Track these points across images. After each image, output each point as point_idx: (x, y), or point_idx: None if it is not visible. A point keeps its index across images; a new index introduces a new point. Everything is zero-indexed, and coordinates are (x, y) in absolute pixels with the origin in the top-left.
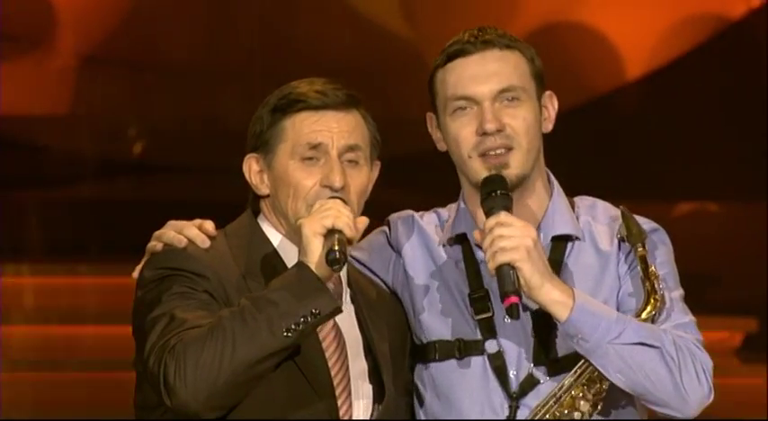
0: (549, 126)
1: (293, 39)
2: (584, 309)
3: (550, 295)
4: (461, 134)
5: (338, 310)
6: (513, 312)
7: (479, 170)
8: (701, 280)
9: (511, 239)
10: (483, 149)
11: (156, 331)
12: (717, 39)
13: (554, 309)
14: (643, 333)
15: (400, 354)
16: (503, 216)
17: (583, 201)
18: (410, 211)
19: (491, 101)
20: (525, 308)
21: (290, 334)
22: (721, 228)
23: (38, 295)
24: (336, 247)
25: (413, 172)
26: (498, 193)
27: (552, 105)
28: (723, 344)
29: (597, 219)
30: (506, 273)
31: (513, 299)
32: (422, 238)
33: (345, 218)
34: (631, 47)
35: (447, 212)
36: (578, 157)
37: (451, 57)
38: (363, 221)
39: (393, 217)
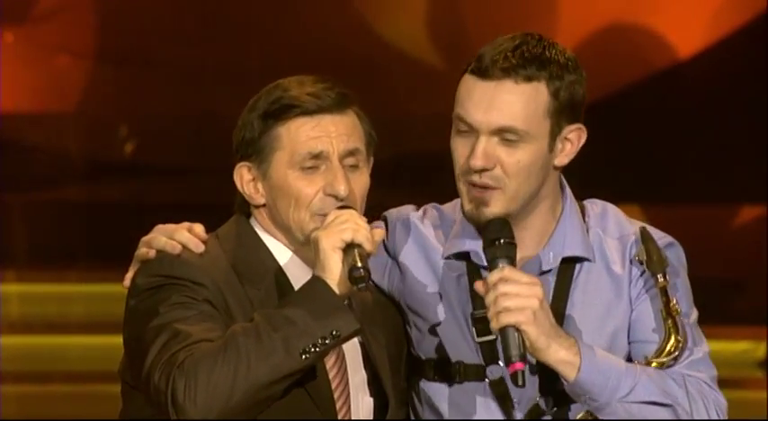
0: (563, 160)
1: (289, 35)
2: (592, 367)
3: (557, 355)
4: (456, 153)
5: (358, 332)
6: (517, 380)
7: (464, 197)
8: (725, 287)
9: (516, 299)
10: (468, 179)
11: (157, 344)
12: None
13: (561, 369)
14: (654, 388)
15: (397, 361)
16: (507, 271)
17: (593, 208)
18: (410, 210)
19: (488, 135)
20: None
21: (307, 356)
22: (746, 232)
23: (23, 303)
24: (359, 264)
25: (400, 172)
26: (502, 242)
27: (578, 140)
28: (747, 355)
29: (608, 231)
30: (511, 336)
31: (519, 365)
32: (421, 246)
33: (364, 230)
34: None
35: (451, 211)
36: (592, 159)
37: (473, 70)
38: (380, 234)
39: (391, 215)
